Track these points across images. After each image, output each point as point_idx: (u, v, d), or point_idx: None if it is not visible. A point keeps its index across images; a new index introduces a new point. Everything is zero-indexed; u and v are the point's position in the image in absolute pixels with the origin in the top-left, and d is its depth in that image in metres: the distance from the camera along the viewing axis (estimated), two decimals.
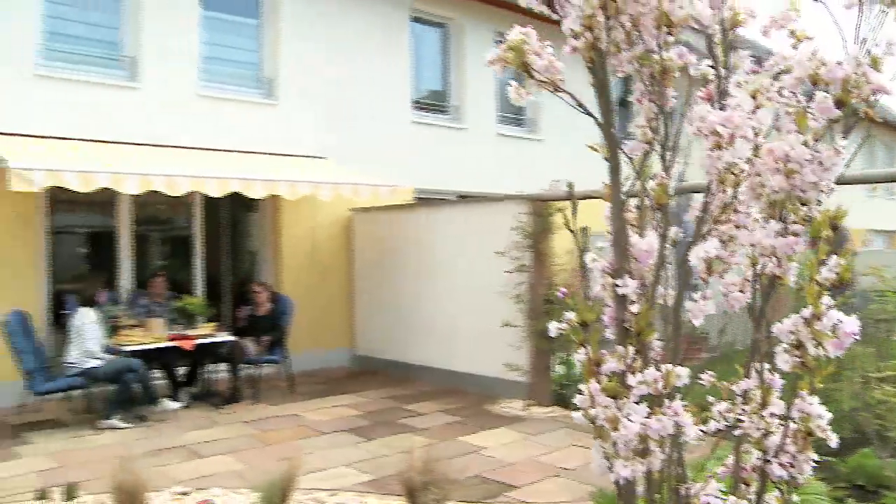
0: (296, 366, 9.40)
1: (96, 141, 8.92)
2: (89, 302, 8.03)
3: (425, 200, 11.68)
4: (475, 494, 5.35)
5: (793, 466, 1.59)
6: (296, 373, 9.36)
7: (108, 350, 7.88)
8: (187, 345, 8.28)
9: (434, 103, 13.15)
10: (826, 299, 1.53)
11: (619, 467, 1.50)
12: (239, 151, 10.04)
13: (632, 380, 1.52)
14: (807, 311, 1.53)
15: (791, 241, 1.54)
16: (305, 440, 7.03)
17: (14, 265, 8.57)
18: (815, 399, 1.59)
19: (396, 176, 10.47)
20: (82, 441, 6.96)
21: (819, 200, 1.56)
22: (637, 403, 1.50)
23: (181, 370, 8.85)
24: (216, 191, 8.22)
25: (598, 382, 1.56)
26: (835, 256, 1.51)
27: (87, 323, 7.71)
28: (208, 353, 8.70)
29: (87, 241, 10.45)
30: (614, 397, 1.51)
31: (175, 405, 8.23)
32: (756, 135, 1.53)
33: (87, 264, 10.25)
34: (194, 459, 6.37)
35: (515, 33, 1.75)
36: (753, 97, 1.57)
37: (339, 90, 11.36)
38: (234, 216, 11.36)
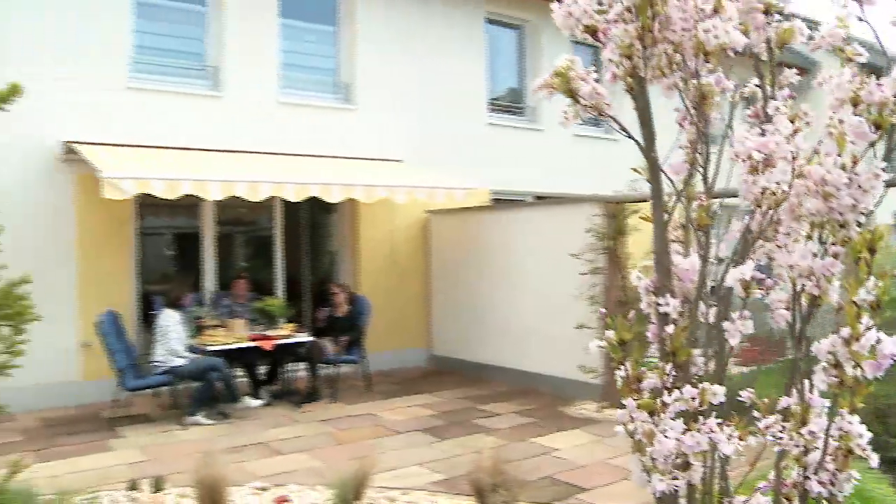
0: (373, 365, 9.59)
1: (182, 149, 9.28)
2: (175, 303, 8.37)
3: (502, 202, 11.76)
4: (544, 496, 5.41)
5: (833, 484, 1.62)
6: (373, 372, 9.55)
7: (193, 349, 8.21)
8: (267, 345, 8.55)
9: (510, 105, 13.20)
10: (865, 319, 1.55)
11: (655, 481, 1.56)
12: (318, 156, 10.29)
13: (668, 397, 1.57)
14: (845, 331, 1.55)
15: (829, 263, 1.57)
16: (380, 439, 7.19)
17: (107, 268, 9.01)
18: (856, 418, 1.61)
19: (473, 177, 10.56)
20: (169, 436, 7.29)
21: (859, 222, 1.58)
22: (673, 419, 1.56)
23: (262, 369, 9.14)
24: (295, 196, 8.47)
25: (638, 398, 1.62)
26: (873, 278, 1.53)
27: (172, 323, 8.05)
28: (288, 352, 8.96)
29: (173, 242, 10.88)
30: (651, 413, 1.57)
31: (256, 403, 8.52)
32: (794, 159, 1.56)
33: (173, 266, 10.68)
34: (273, 456, 6.60)
35: (562, 60, 1.82)
36: (792, 121, 1.61)
37: (416, 93, 11.53)
38: (313, 217, 11.63)
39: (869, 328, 1.54)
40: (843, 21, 1.78)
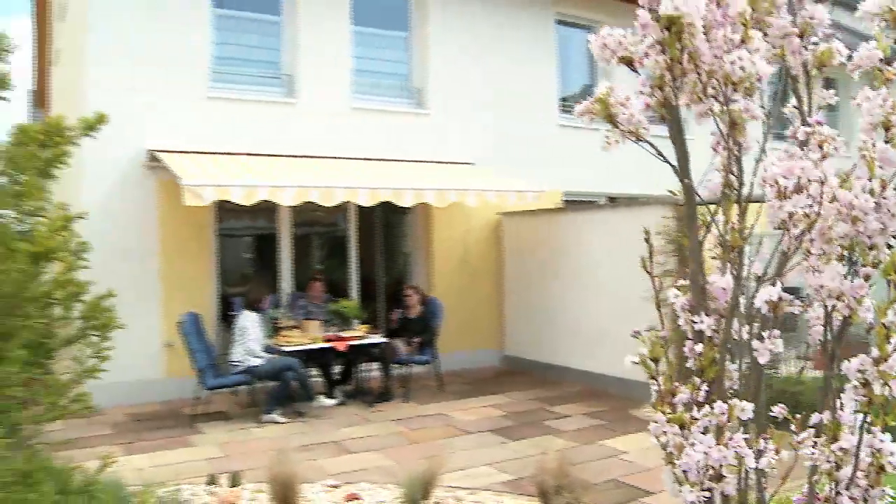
0: (445, 366, 9.73)
1: (259, 155, 9.58)
2: (253, 305, 8.67)
3: (574, 203, 11.77)
4: (608, 499, 5.46)
5: (865, 501, 1.66)
6: (445, 373, 9.70)
7: (269, 350, 8.49)
8: (341, 346, 8.78)
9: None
10: (894, 340, 1.59)
11: (686, 492, 1.63)
12: (390, 160, 10.49)
13: (696, 412, 1.64)
14: (874, 352, 1.60)
15: (858, 285, 1.62)
16: (451, 439, 7.32)
17: (189, 270, 9.38)
18: (887, 436, 1.65)
19: (544, 179, 10.60)
20: (246, 433, 7.58)
21: (889, 245, 1.62)
22: (704, 433, 1.62)
23: (336, 369, 9.38)
24: (368, 200, 8.67)
25: (672, 411, 1.69)
26: None
27: (250, 324, 8.34)
28: (362, 353, 9.18)
29: (251, 245, 11.23)
30: (682, 427, 1.64)
31: (330, 402, 8.75)
32: (822, 183, 1.61)
33: (251, 267, 11.03)
34: (345, 455, 6.80)
35: (602, 88, 1.90)
36: (821, 146, 1.65)
37: (487, 96, 11.63)
38: (387, 219, 11.84)
39: None
40: (881, 42, 1.81)
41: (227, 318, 9.54)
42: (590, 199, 12.26)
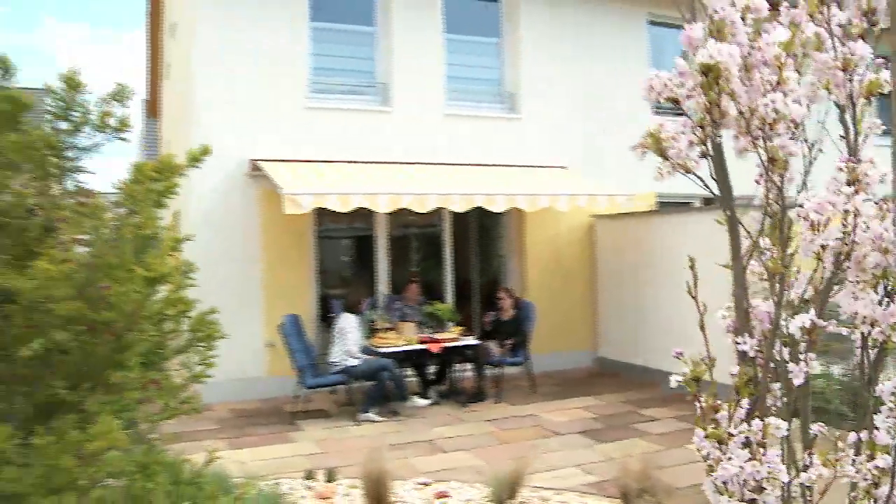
0: (537, 367, 9.87)
1: (355, 162, 9.94)
2: (351, 307, 9.02)
3: (668, 205, 11.71)
4: (690, 503, 5.50)
5: None
6: (537, 374, 9.83)
7: (366, 351, 8.82)
8: (435, 347, 9.04)
9: (677, 107, 13.05)
10: None
11: (724, 502, 1.76)
12: (483, 165, 10.69)
13: (733, 429, 1.77)
14: None
15: (892, 311, 1.72)
16: (540, 440, 7.47)
17: (289, 275, 9.83)
18: None
19: (638, 181, 10.59)
20: (343, 431, 7.92)
21: None
22: (744, 447, 1.75)
23: (431, 369, 9.64)
24: (461, 206, 8.91)
25: (715, 427, 1.83)
26: None
27: (348, 326, 8.68)
28: (455, 354, 9.42)
29: (349, 248, 11.61)
30: (720, 442, 1.77)
31: (424, 402, 9.02)
32: (856, 216, 1.71)
33: (349, 270, 11.42)
34: (437, 453, 7.04)
35: (654, 125, 2.05)
36: (857, 181, 1.75)
37: (578, 99, 11.69)
38: (481, 222, 12.03)
39: None
40: None
41: (326, 318, 9.95)
42: (686, 201, 12.16)
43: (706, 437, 1.78)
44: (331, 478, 6.00)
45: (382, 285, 10.68)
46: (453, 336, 9.37)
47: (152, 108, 22.66)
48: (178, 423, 2.99)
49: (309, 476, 6.09)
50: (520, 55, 11.40)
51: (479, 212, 10.54)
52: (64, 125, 2.40)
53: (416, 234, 12.05)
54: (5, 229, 2.21)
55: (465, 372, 9.76)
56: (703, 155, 1.88)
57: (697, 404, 1.89)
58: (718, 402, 1.86)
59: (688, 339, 7.47)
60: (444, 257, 11.13)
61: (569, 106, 11.61)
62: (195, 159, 2.58)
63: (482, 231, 12.33)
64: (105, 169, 2.90)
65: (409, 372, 9.41)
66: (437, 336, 9.29)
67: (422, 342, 9.08)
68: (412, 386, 9.31)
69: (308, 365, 8.58)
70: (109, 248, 2.23)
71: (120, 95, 2.42)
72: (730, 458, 1.73)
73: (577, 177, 10.86)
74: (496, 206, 9.17)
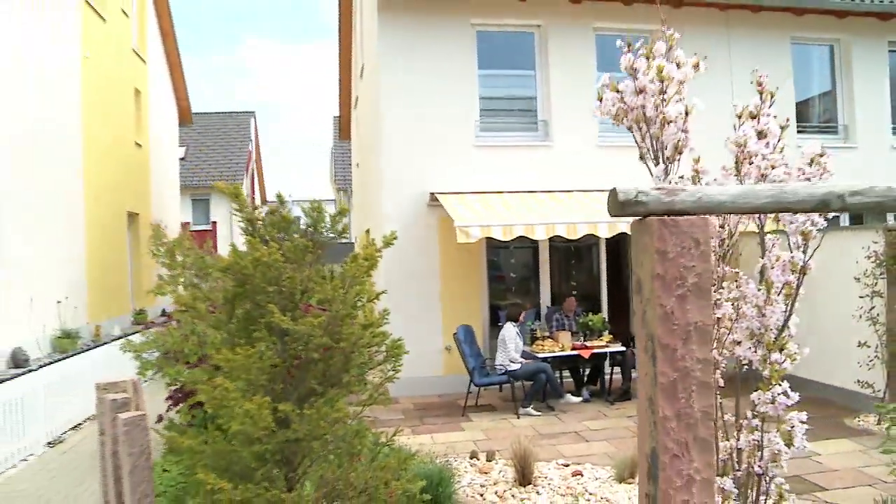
0: None
1: (518, 192, 11.53)
2: (515, 318, 10.61)
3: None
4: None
5: (767, 469, 3.11)
6: None
7: (526, 355, 10.38)
8: (586, 353, 10.48)
9: (819, 124, 13.76)
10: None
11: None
12: None
13: None
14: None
15: None
16: None
17: (463, 289, 11.58)
18: (779, 437, 3.08)
19: None
20: (505, 422, 9.52)
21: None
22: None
23: (585, 371, 11.07)
24: (607, 233, 10.24)
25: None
26: None
27: (511, 335, 10.27)
28: (604, 359, 10.81)
29: (515, 265, 13.19)
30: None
31: (576, 399, 10.47)
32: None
33: (514, 284, 13.01)
34: (581, 442, 8.50)
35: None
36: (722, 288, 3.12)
37: (726, 126, 12.64)
38: (629, 241, 13.20)
39: None
40: None
41: (494, 323, 11.64)
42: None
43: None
44: (490, 458, 7.64)
45: (544, 298, 12.22)
46: (602, 343, 10.75)
47: (345, 131, 25.30)
48: (375, 413, 4.65)
49: (473, 456, 7.75)
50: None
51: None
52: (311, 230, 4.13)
53: (575, 253, 13.43)
54: (283, 293, 3.94)
55: (615, 374, 11.10)
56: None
57: None
58: None
59: (819, 349, 8.83)
60: (600, 273, 12.48)
61: (712, 131, 12.57)
62: (388, 244, 4.22)
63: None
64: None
65: (565, 373, 10.90)
66: (589, 343, 10.71)
67: (574, 349, 10.54)
68: (568, 385, 10.79)
69: (478, 367, 10.26)
70: (340, 304, 3.91)
71: (341, 214, 4.11)
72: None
73: None
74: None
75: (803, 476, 7.09)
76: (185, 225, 31.80)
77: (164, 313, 21.54)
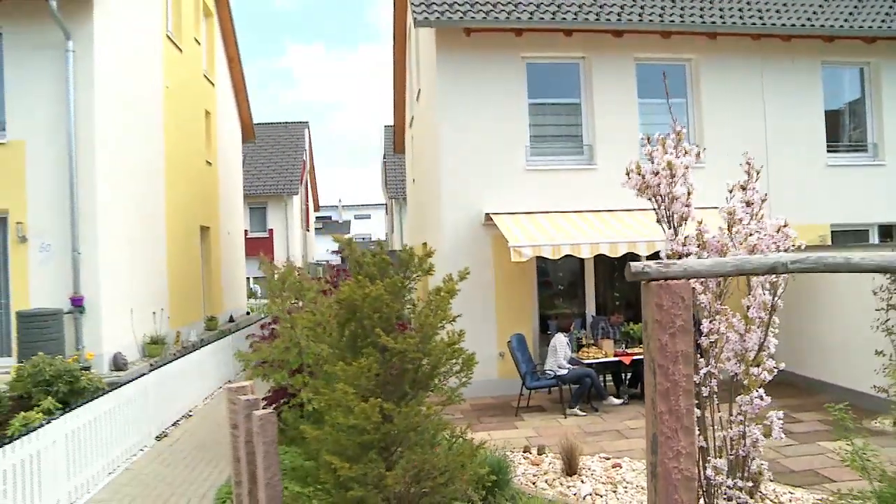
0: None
1: (565, 212, 12.65)
2: (563, 328, 11.72)
3: (846, 234, 13.55)
4: (797, 480, 7.71)
5: (749, 453, 4.19)
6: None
7: (573, 361, 11.50)
8: (627, 360, 11.56)
9: (849, 143, 14.67)
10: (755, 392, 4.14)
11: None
12: None
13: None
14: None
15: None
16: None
17: (516, 300, 12.75)
18: (758, 428, 4.16)
19: (815, 214, 12.68)
20: (553, 421, 10.65)
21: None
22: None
23: (627, 375, 12.13)
24: (645, 251, 11.30)
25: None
26: None
27: (560, 344, 11.40)
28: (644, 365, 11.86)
29: (564, 278, 14.29)
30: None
31: (618, 401, 11.55)
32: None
33: (563, 294, 14.12)
34: (622, 439, 9.58)
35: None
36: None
37: (758, 147, 13.63)
38: None
39: None
40: None
41: (544, 331, 12.79)
42: (861, 229, 13.79)
43: None
44: (541, 451, 8.78)
45: (589, 306, 13.31)
46: (642, 350, 11.79)
47: (398, 144, 26.62)
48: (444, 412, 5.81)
49: (526, 450, 8.89)
50: (703, 112, 13.62)
51: None
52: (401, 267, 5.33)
53: (618, 262, 14.41)
54: (382, 318, 5.13)
55: None
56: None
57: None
58: None
59: (841, 356, 10.34)
60: (640, 284, 13.50)
61: (741, 149, 13.53)
62: (463, 277, 5.40)
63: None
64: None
65: (609, 378, 11.99)
66: (630, 350, 11.78)
67: (616, 355, 11.63)
68: (610, 389, 11.87)
69: (529, 371, 11.39)
70: (429, 326, 5.09)
71: (428, 255, 5.31)
72: None
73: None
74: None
75: (817, 470, 8.10)
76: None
77: (231, 319, 23.10)
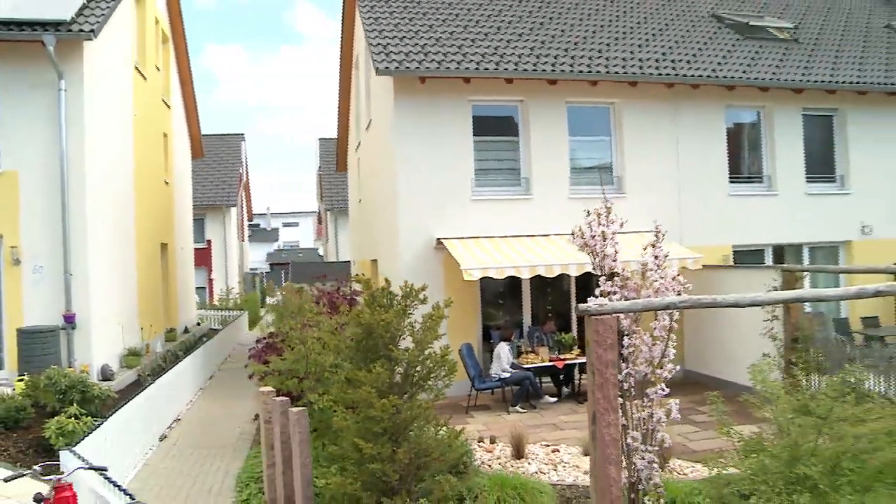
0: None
1: (506, 237, 14.58)
2: (505, 337, 13.64)
3: (744, 253, 15.88)
4: (698, 458, 9.74)
5: (655, 444, 6.11)
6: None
7: (514, 366, 13.42)
8: (560, 364, 13.55)
9: (748, 175, 17.05)
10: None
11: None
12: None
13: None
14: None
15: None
16: None
17: (464, 314, 14.58)
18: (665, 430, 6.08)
19: (718, 237, 14.97)
20: (499, 417, 12.55)
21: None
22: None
23: (561, 377, 14.11)
24: (576, 272, 13.30)
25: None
26: None
27: (503, 351, 13.31)
28: (574, 368, 13.88)
29: (504, 294, 16.21)
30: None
31: (553, 400, 13.53)
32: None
33: (503, 309, 16.05)
34: (558, 431, 11.52)
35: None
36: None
37: (672, 177, 15.81)
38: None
39: None
40: None
41: (486, 339, 14.71)
42: (757, 249, 16.20)
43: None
44: (493, 441, 10.64)
45: (526, 317, 15.28)
46: (573, 356, 13.81)
47: (341, 164, 28.18)
48: None
49: (480, 440, 10.74)
50: (624, 148, 15.74)
51: None
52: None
53: (551, 283, 16.38)
54: (381, 337, 6.88)
55: (582, 380, 14.15)
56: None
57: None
58: None
59: (737, 358, 13.02)
60: (570, 297, 15.55)
61: (664, 183, 15.76)
62: (447, 305, 7.21)
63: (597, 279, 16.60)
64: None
65: (545, 380, 13.96)
66: (562, 356, 13.77)
67: (551, 360, 13.60)
68: (546, 389, 13.84)
69: (477, 375, 13.26)
70: (424, 342, 6.87)
71: (420, 290, 7.12)
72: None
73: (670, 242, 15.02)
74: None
75: (714, 450, 10.16)
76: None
77: (186, 330, 24.37)
